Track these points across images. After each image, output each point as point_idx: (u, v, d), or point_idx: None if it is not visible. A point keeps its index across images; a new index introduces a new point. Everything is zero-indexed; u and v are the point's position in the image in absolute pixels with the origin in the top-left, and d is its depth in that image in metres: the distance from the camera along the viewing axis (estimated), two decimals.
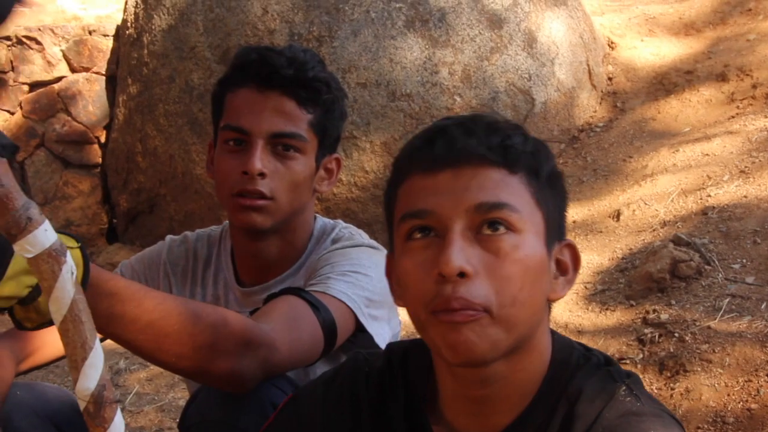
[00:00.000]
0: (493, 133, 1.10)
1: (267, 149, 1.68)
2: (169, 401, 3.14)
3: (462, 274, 1.03)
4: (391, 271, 1.18)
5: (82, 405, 0.78)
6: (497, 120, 1.14)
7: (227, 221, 1.91)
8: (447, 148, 1.08)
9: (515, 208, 1.06)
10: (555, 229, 1.12)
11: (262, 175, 1.67)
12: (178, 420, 2.87)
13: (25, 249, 0.77)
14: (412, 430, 1.20)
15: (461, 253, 1.04)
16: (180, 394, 3.16)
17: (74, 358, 0.78)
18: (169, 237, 1.97)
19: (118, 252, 4.69)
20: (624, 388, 1.09)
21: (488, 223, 1.06)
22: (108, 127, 5.14)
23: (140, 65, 4.76)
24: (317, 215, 1.87)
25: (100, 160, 5.13)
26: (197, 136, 4.46)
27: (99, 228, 5.06)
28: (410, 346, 1.24)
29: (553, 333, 1.17)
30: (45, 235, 0.77)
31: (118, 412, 0.78)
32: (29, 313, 1.13)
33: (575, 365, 1.13)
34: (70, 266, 0.78)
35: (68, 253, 0.79)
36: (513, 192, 1.07)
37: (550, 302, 1.12)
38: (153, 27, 4.70)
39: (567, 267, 1.13)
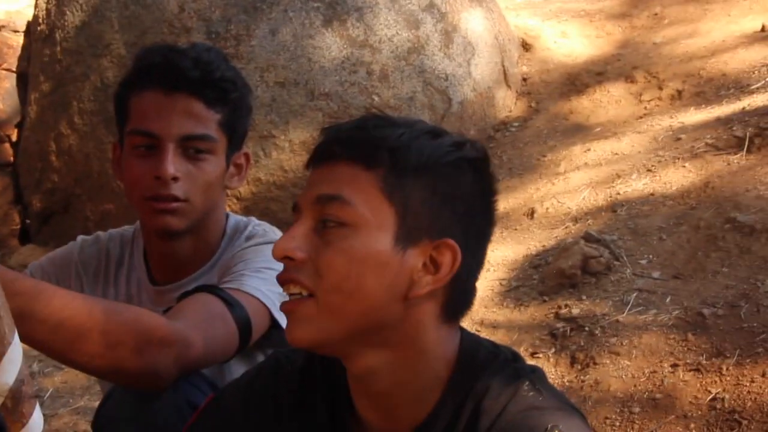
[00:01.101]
0: (358, 131, 1.14)
1: (178, 152, 1.67)
2: (84, 404, 3.10)
3: (289, 260, 1.11)
4: None
5: None
6: (376, 118, 1.17)
7: (138, 221, 1.90)
8: (319, 146, 1.15)
9: (349, 201, 1.10)
10: (423, 226, 1.11)
11: (175, 179, 1.66)
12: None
13: None
14: (334, 428, 1.22)
15: (290, 240, 1.10)
16: (95, 397, 3.11)
17: None
18: (80, 237, 1.94)
19: (32, 253, 4.57)
20: (527, 383, 1.13)
21: (325, 215, 1.11)
22: (19, 126, 5.01)
23: (53, 62, 4.66)
24: (229, 213, 1.87)
25: (11, 159, 5.00)
26: (113, 134, 4.36)
27: (11, 229, 4.93)
28: None
29: (462, 330, 1.20)
30: None
31: (37, 408, 0.78)
32: None
33: (482, 363, 1.16)
34: None
35: None
36: (356, 186, 1.11)
37: (415, 298, 1.11)
38: (66, 23, 4.60)
39: (441, 266, 1.12)
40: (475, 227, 1.16)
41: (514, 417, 1.10)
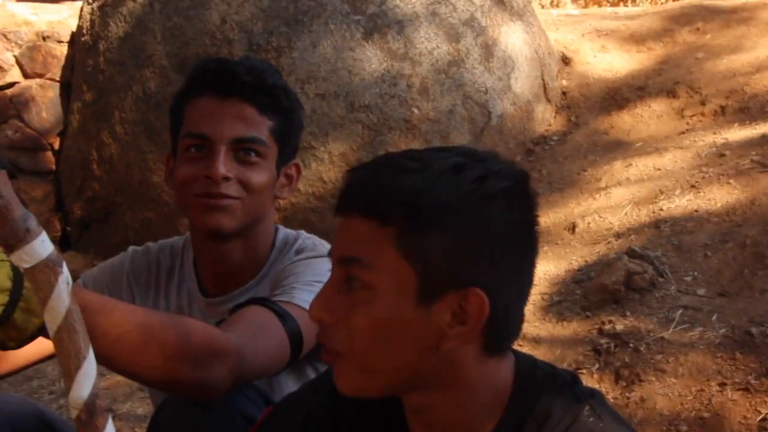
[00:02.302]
0: (371, 182, 1.08)
1: (229, 155, 1.69)
2: (127, 410, 3.11)
3: (319, 322, 1.10)
4: None
5: (74, 413, 0.78)
6: (395, 162, 1.09)
7: (188, 233, 1.91)
8: (339, 196, 1.11)
9: (367, 264, 1.05)
10: (444, 279, 1.05)
11: (226, 179, 1.68)
12: (136, 429, 2.84)
13: (23, 259, 0.77)
14: None
15: (323, 302, 1.09)
16: (138, 404, 3.13)
17: (68, 367, 0.78)
18: (131, 248, 1.96)
19: (72, 260, 4.62)
20: (587, 408, 1.11)
21: (347, 276, 1.08)
22: (62, 134, 5.07)
23: (96, 72, 4.72)
24: (279, 226, 1.88)
25: (53, 167, 5.06)
26: (154, 144, 4.43)
27: (52, 235, 4.99)
28: None
29: (517, 354, 1.17)
30: (42, 245, 0.77)
31: (110, 421, 0.79)
32: (9, 332, 1.12)
33: (540, 386, 1.14)
34: (66, 276, 0.78)
35: (64, 264, 0.79)
36: (373, 248, 1.06)
37: (446, 350, 1.08)
38: (109, 34, 4.66)
39: (468, 316, 1.06)
40: (507, 262, 1.08)
41: None
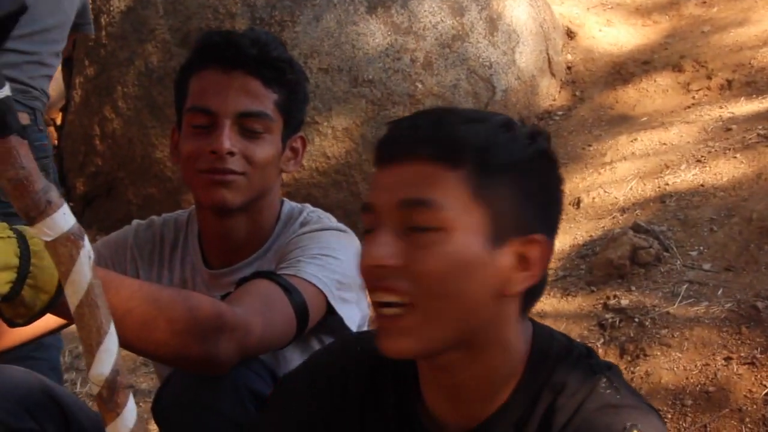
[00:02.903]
0: (439, 127, 1.09)
1: (234, 129, 1.68)
2: (132, 384, 3.11)
3: (382, 267, 1.06)
4: None
5: (95, 390, 0.77)
6: (451, 112, 1.13)
7: (193, 206, 1.90)
8: (390, 144, 1.11)
9: (439, 205, 1.06)
10: (512, 225, 1.09)
11: (231, 153, 1.67)
12: (140, 403, 2.84)
13: (44, 232, 0.75)
14: (401, 417, 1.20)
15: (381, 248, 1.06)
16: (142, 378, 3.14)
17: (89, 342, 0.77)
18: (135, 221, 1.95)
19: None
20: (604, 380, 1.11)
21: (409, 220, 1.06)
22: (64, 110, 5.05)
23: (98, 47, 4.68)
24: (284, 199, 1.87)
25: (56, 142, 5.04)
26: (156, 119, 4.41)
27: None
28: None
29: (534, 324, 1.18)
30: (64, 218, 0.76)
31: (131, 398, 0.78)
32: (17, 308, 1.12)
33: (556, 356, 1.14)
34: (88, 251, 0.77)
35: (86, 237, 0.78)
36: (443, 188, 1.07)
37: (509, 296, 1.10)
38: (111, 8, 4.62)
39: (532, 262, 1.09)
40: (553, 217, 1.14)
41: (590, 414, 1.07)
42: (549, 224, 1.13)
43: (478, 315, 1.08)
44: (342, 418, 1.24)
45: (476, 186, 1.07)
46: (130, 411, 0.77)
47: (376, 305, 1.08)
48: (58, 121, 5.08)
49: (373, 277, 1.08)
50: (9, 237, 1.10)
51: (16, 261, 1.08)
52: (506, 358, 1.13)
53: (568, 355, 1.15)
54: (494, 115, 1.15)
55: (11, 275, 1.08)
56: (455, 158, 1.07)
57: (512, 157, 1.09)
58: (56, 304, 1.14)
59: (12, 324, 1.14)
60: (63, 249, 0.76)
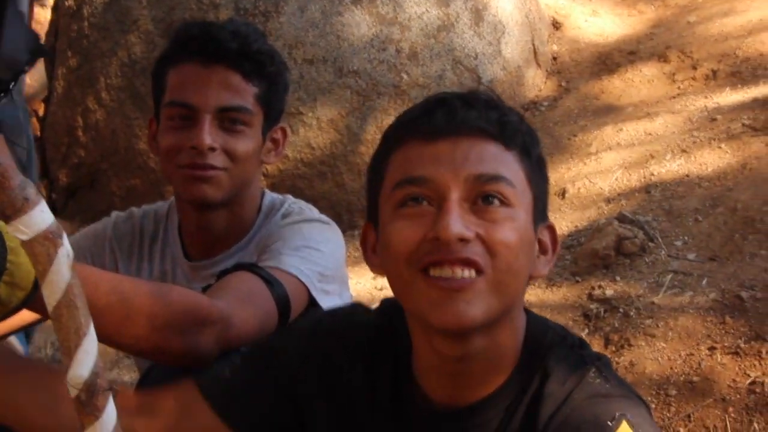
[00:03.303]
0: (492, 109, 1.12)
1: (215, 124, 1.66)
2: (113, 378, 3.10)
3: (461, 241, 1.05)
4: (366, 241, 1.20)
5: (73, 393, 0.74)
6: (494, 97, 1.16)
7: (173, 197, 1.88)
8: (447, 118, 1.10)
9: (511, 182, 1.09)
10: (540, 210, 1.15)
11: (212, 149, 1.65)
12: None
13: (20, 230, 0.72)
14: (393, 394, 1.20)
15: (460, 220, 1.05)
16: (124, 371, 3.12)
17: (67, 344, 0.74)
18: (114, 213, 1.93)
19: None
20: (594, 370, 1.11)
21: (484, 194, 1.08)
22: (46, 101, 5.00)
23: (80, 38, 4.64)
24: (265, 190, 1.86)
25: (38, 133, 5.00)
26: (140, 110, 4.37)
27: None
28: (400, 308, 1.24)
29: (528, 312, 1.19)
30: (41, 216, 0.72)
31: (110, 400, 0.75)
32: None
33: (549, 345, 1.15)
34: (67, 249, 0.73)
35: (65, 236, 0.75)
36: (509, 167, 1.10)
37: (530, 280, 1.14)
38: None
39: (547, 247, 1.16)
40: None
41: (579, 403, 1.08)
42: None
43: (521, 293, 1.12)
44: (332, 379, 1.23)
45: (527, 169, 1.12)
46: (110, 414, 0.74)
47: (437, 279, 1.06)
48: (41, 113, 5.04)
49: (442, 251, 1.06)
50: None
51: None
52: (513, 341, 1.15)
53: (561, 343, 1.16)
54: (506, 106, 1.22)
55: None
56: (510, 140, 1.11)
57: (538, 149, 1.16)
58: (32, 300, 1.12)
59: None
60: (40, 248, 0.72)
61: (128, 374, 3.08)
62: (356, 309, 1.31)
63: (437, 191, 1.07)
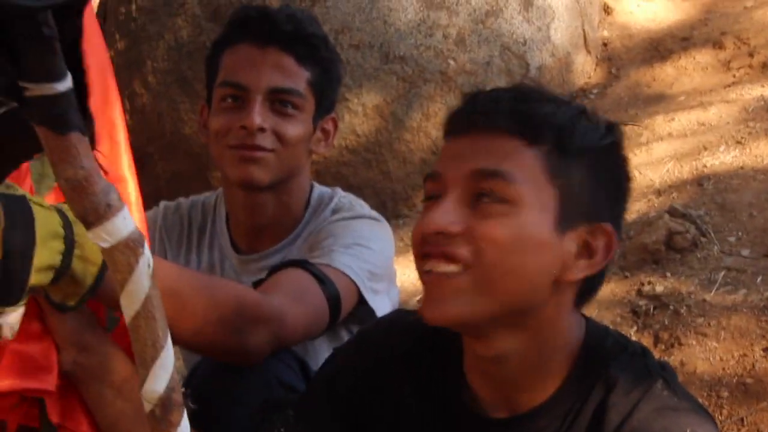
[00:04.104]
0: (520, 103, 1.08)
1: (266, 105, 1.67)
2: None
3: (443, 235, 1.05)
4: None
5: (147, 407, 0.72)
6: (536, 90, 1.12)
7: (220, 189, 1.88)
8: (468, 114, 1.10)
9: (512, 178, 1.05)
10: (581, 210, 1.08)
11: (261, 130, 1.65)
12: None
13: (102, 237, 0.69)
14: (444, 397, 1.19)
15: (445, 215, 1.04)
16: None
17: (144, 357, 0.72)
18: (162, 203, 1.94)
19: None
20: (661, 381, 1.09)
21: (480, 190, 1.05)
22: None
23: (128, 20, 4.66)
24: (314, 183, 1.85)
25: None
26: (186, 95, 4.38)
27: None
28: None
29: (588, 319, 1.16)
30: (123, 222, 0.69)
31: (185, 416, 0.73)
32: (67, 287, 1.03)
33: (610, 352, 1.12)
34: (147, 258, 0.71)
35: (146, 244, 0.72)
36: (518, 163, 1.06)
37: (565, 283, 1.08)
38: None
39: (596, 251, 1.09)
40: (619, 211, 1.14)
41: (647, 416, 1.05)
42: (615, 216, 1.12)
43: (532, 296, 1.06)
44: (383, 393, 1.23)
45: (552, 166, 1.07)
46: (184, 430, 0.72)
47: (427, 273, 1.07)
48: None
49: (431, 243, 1.06)
50: (49, 207, 1.01)
51: (62, 230, 1.00)
52: (556, 350, 1.11)
53: (623, 352, 1.12)
54: (574, 102, 1.16)
55: (60, 245, 0.99)
56: (535, 135, 1.07)
57: (589, 143, 1.09)
58: (101, 283, 1.05)
59: (64, 308, 1.05)
60: (121, 257, 0.69)
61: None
62: (399, 315, 1.30)
63: (443, 186, 1.08)
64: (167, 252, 1.88)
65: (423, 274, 1.08)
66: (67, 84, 0.68)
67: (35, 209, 0.97)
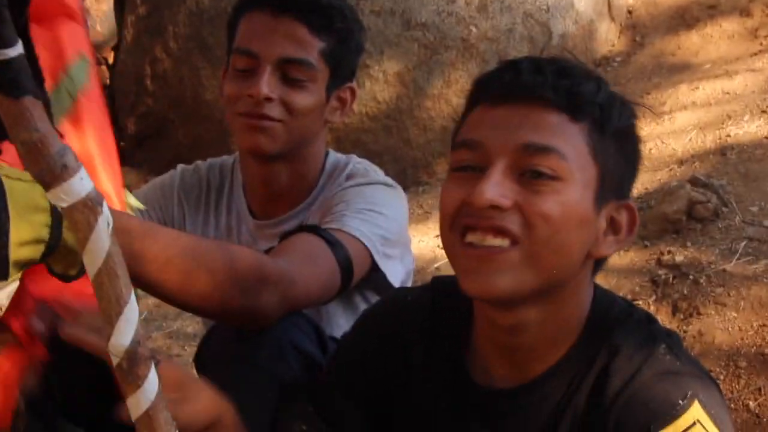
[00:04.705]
0: (564, 77, 1.08)
1: (275, 74, 1.65)
2: (177, 328, 3.15)
3: (495, 208, 1.04)
4: None
5: (114, 361, 0.75)
6: (574, 65, 1.11)
7: (237, 153, 1.88)
8: (511, 83, 1.08)
9: (563, 155, 1.05)
10: (612, 188, 1.10)
11: (268, 99, 1.64)
12: (185, 347, 2.88)
13: (60, 198, 0.71)
14: (451, 367, 1.20)
15: (497, 188, 1.03)
16: (188, 322, 3.17)
17: (108, 312, 0.74)
18: (180, 166, 1.94)
19: (127, 175, 4.64)
20: (664, 346, 1.08)
21: (532, 165, 1.05)
22: (116, 48, 5.05)
23: None
24: (330, 150, 1.84)
25: (108, 81, 5.06)
26: (207, 60, 4.38)
27: None
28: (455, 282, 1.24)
29: (596, 286, 1.16)
30: (81, 183, 0.71)
31: (152, 369, 0.75)
32: (66, 257, 1.05)
33: (615, 319, 1.12)
34: (106, 216, 0.73)
35: (104, 203, 0.74)
36: (567, 139, 1.06)
37: (594, 258, 1.10)
38: None
39: (621, 227, 1.11)
40: (631, 188, 1.16)
41: (649, 379, 1.05)
42: (629, 193, 1.15)
43: (569, 270, 1.07)
44: (391, 367, 1.24)
45: (595, 142, 1.07)
46: (152, 383, 0.75)
47: (469, 245, 1.06)
48: (110, 60, 5.09)
49: (476, 216, 1.05)
50: (32, 181, 1.03)
51: (46, 203, 1.01)
52: (572, 320, 1.12)
53: (628, 318, 1.13)
54: (601, 76, 1.17)
55: (45, 218, 1.01)
56: (579, 111, 1.07)
57: (623, 122, 1.10)
58: None
59: (67, 278, 1.07)
60: (80, 216, 0.72)
61: (191, 325, 3.13)
62: (399, 294, 1.33)
63: (486, 156, 1.06)
64: (185, 212, 1.88)
65: (462, 245, 1.07)
66: (18, 50, 0.70)
67: (9, 183, 0.98)
